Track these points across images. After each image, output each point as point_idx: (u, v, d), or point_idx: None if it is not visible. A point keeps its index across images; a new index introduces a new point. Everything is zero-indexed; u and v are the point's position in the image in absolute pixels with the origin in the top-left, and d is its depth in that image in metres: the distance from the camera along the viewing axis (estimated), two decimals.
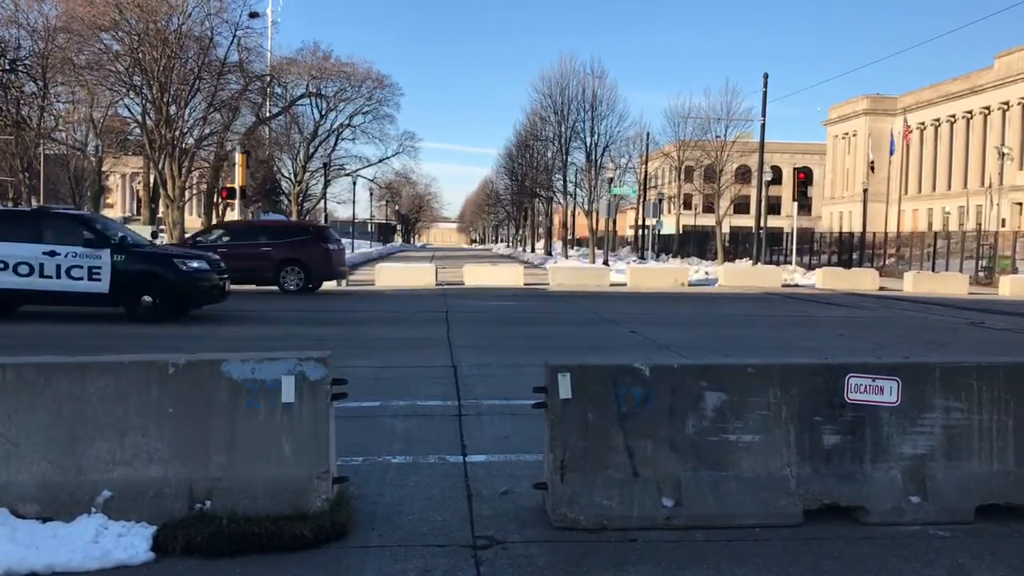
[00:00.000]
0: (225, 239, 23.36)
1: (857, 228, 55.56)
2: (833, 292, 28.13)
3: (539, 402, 5.14)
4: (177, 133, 41.33)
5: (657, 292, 26.84)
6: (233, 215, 38.21)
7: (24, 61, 42.75)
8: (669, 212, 71.70)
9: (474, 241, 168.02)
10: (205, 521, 4.61)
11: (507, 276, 30.16)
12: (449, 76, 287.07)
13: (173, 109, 40.79)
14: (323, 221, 67.15)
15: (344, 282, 27.19)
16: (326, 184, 66.27)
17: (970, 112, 71.07)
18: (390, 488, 5.71)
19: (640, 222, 61.72)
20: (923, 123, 76.67)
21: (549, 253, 63.81)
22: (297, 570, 4.39)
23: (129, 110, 46.86)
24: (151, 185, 48.98)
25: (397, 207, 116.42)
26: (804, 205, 55.48)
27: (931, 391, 5.27)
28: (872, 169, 66.26)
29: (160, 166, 41.58)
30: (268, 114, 60.01)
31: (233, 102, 46.02)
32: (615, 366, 5.20)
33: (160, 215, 51.60)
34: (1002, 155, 60.00)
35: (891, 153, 66.06)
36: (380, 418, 7.80)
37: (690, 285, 30.47)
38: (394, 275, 28.55)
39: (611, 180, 46.18)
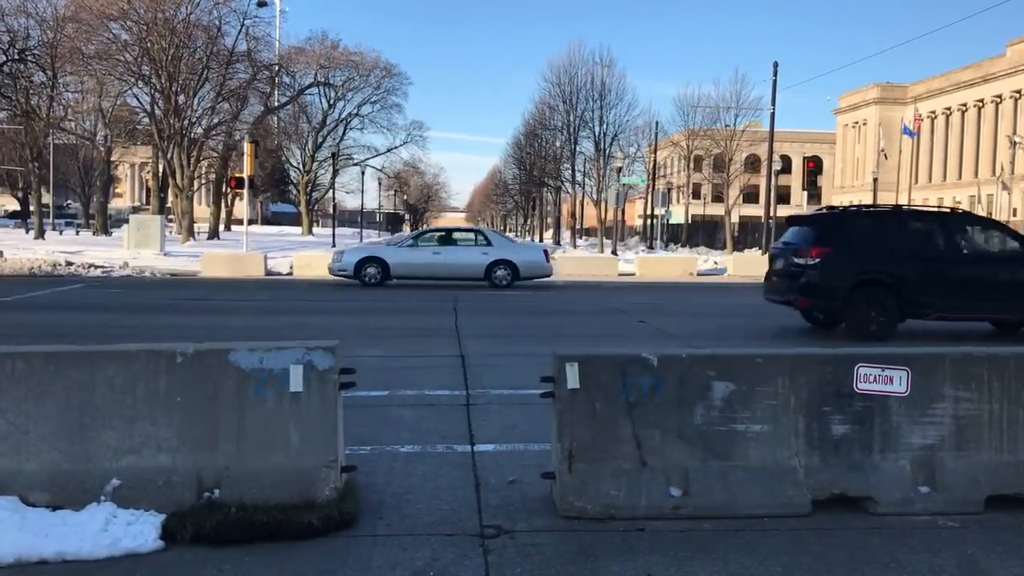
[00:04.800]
0: None
1: None
2: None
3: (547, 392, 5.13)
4: (186, 123, 41.42)
5: (666, 282, 26.78)
6: (241, 205, 38.24)
7: (33, 51, 42.83)
8: (678, 202, 71.53)
9: None
10: (214, 510, 4.62)
11: None
12: (457, 65, 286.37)
13: (182, 99, 40.88)
14: (331, 211, 67.33)
15: None
16: (334, 174, 66.36)
17: (981, 101, 70.62)
18: (398, 477, 5.72)
19: (649, 212, 61.57)
20: (934, 112, 76.23)
21: (558, 243, 63.76)
22: (305, 558, 4.39)
23: (138, 100, 47.02)
24: (160, 175, 49.10)
25: (405, 197, 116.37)
26: (814, 194, 55.28)
27: (941, 381, 5.24)
28: (885, 156, 65.97)
29: (169, 156, 41.68)
30: (276, 104, 60.04)
31: (241, 91, 46.08)
32: (623, 356, 5.18)
33: (169, 205, 51.76)
34: (1014, 144, 59.67)
35: (906, 134, 65.39)
36: (388, 407, 7.81)
37: (699, 275, 30.39)
38: None
39: (620, 169, 46.09)
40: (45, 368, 4.73)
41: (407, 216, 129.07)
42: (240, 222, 54.01)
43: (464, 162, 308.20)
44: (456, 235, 24.53)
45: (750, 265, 31.98)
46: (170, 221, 49.43)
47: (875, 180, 51.92)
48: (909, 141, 68.20)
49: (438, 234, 24.75)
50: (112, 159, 56.58)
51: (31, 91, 44.61)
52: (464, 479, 5.70)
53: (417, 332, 13.38)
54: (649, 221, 62.20)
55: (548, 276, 23.55)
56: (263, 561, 4.36)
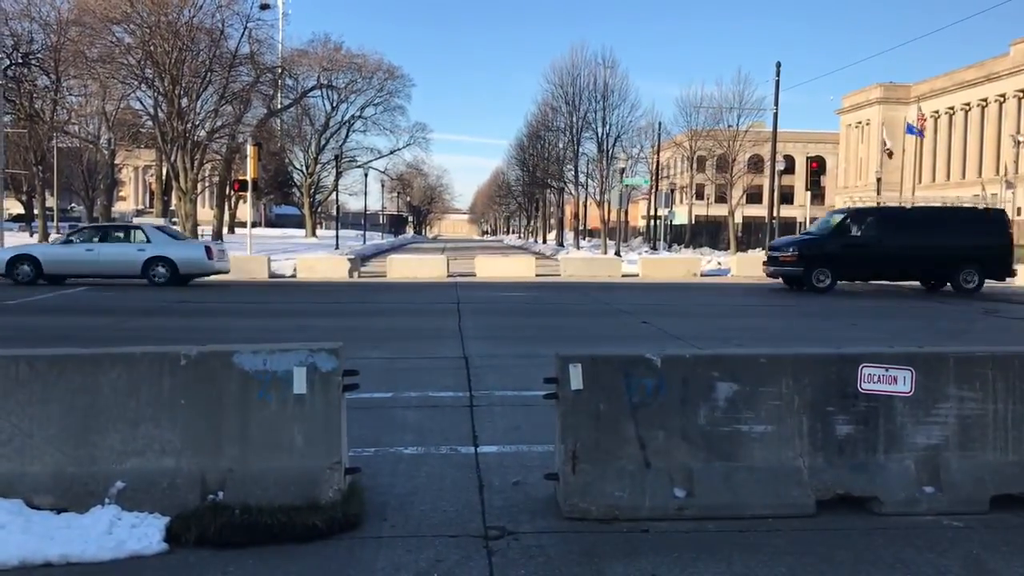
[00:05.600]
0: None
1: None
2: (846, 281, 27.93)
3: (550, 393, 5.13)
4: (189, 126, 41.46)
5: (669, 283, 26.76)
6: (245, 207, 38.33)
7: (37, 55, 42.97)
8: (681, 202, 71.45)
9: (485, 232, 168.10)
10: (218, 512, 4.62)
11: (518, 267, 30.14)
12: (460, 67, 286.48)
13: (185, 102, 40.92)
14: (335, 213, 67.46)
15: (357, 273, 27.28)
16: (338, 176, 66.42)
17: (985, 100, 70.42)
18: (402, 479, 5.72)
19: (652, 212, 61.52)
20: (937, 111, 76.05)
21: (561, 244, 63.75)
22: (309, 561, 4.40)
23: (141, 103, 47.07)
24: (164, 178, 49.15)
25: (408, 199, 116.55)
26: (817, 195, 55.16)
27: (945, 381, 5.23)
28: (890, 155, 65.84)
29: (172, 159, 41.72)
30: (279, 106, 60.11)
31: (244, 94, 46.15)
32: (626, 357, 5.18)
33: (173, 207, 51.84)
34: (1017, 143, 59.53)
35: (911, 132, 65.11)
36: (392, 409, 7.81)
37: (702, 276, 30.37)
38: (406, 266, 28.58)
39: (623, 170, 45.97)
40: (49, 371, 4.74)
41: (410, 218, 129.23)
42: (244, 225, 54.03)
43: (467, 164, 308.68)
44: (114, 232, 23.98)
45: (754, 265, 31.88)
46: (174, 224, 49.53)
47: (878, 180, 51.83)
48: (912, 141, 68.07)
49: (96, 230, 24.55)
50: (116, 162, 56.64)
51: (35, 95, 44.73)
52: (468, 481, 5.70)
53: (421, 334, 13.38)
54: (652, 222, 62.17)
55: (212, 274, 23.29)
56: (267, 563, 4.36)
